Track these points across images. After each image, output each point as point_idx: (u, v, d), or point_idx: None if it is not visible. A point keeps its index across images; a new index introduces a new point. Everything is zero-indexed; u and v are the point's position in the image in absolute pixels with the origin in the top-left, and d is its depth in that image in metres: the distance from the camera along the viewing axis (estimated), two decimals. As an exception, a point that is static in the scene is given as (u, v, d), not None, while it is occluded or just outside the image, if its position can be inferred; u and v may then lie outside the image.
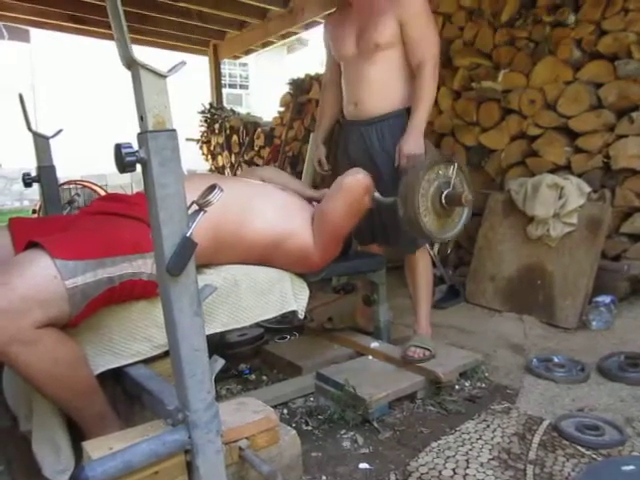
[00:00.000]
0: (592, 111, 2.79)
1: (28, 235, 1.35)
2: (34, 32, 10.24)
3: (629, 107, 2.69)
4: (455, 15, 3.44)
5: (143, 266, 1.39)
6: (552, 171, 2.90)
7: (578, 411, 1.76)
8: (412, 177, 1.75)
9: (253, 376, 2.20)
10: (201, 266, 1.66)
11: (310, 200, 2.01)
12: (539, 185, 2.71)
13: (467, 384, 2.01)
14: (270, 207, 1.77)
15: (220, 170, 6.51)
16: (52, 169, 2.21)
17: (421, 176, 1.74)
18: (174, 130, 0.99)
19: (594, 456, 1.50)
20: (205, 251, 1.51)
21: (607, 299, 2.52)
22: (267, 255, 1.77)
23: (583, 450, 1.53)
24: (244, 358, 2.34)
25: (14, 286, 1.18)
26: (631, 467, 1.37)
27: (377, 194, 1.89)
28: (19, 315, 1.16)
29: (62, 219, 1.75)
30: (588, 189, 2.68)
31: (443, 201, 1.79)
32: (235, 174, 5.86)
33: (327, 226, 1.79)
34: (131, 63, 0.95)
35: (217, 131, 6.47)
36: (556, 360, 2.10)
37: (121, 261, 1.35)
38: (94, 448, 1.12)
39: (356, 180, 1.79)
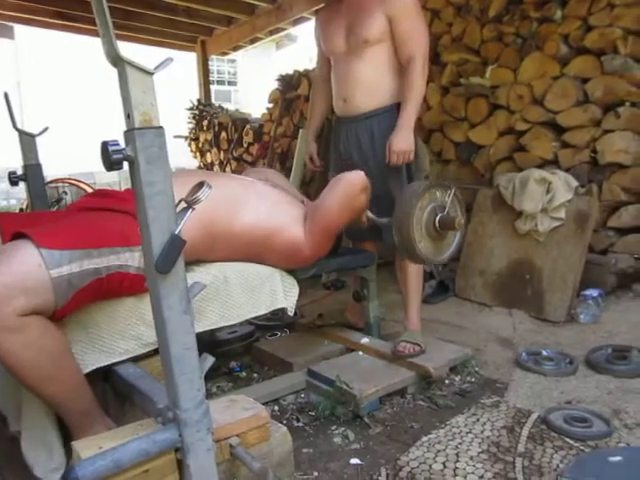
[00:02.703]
0: (579, 106, 2.81)
1: (15, 228, 1.34)
2: (18, 28, 10.12)
3: (615, 102, 2.71)
4: (443, 11, 3.45)
5: (130, 259, 1.38)
6: (540, 166, 2.92)
7: (566, 404, 1.78)
8: (407, 200, 1.76)
9: (244, 373, 2.20)
10: (190, 263, 1.65)
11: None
12: (527, 180, 2.72)
13: (457, 378, 2.03)
14: (260, 203, 1.76)
15: (209, 167, 6.49)
16: (38, 167, 2.19)
17: (415, 203, 1.74)
18: (161, 127, 0.98)
19: (582, 448, 1.52)
20: (195, 248, 1.50)
21: (595, 293, 2.54)
22: (257, 251, 1.77)
23: (571, 442, 1.55)
24: (235, 355, 2.34)
25: None
26: (618, 458, 1.39)
27: (371, 214, 1.93)
28: (2, 302, 1.15)
29: (51, 214, 1.74)
30: (575, 184, 2.70)
31: (437, 225, 1.79)
32: (224, 171, 5.84)
33: (321, 220, 1.79)
34: (117, 60, 0.94)
35: (206, 128, 6.44)
36: (545, 354, 2.12)
37: (108, 253, 1.34)
38: (84, 447, 1.12)
39: (355, 177, 1.80)
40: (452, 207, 1.83)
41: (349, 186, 1.80)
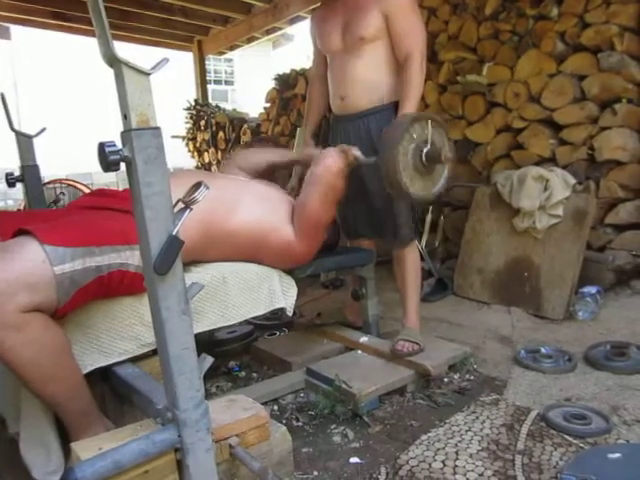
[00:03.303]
0: (576, 103, 2.81)
1: (15, 225, 1.33)
2: (15, 29, 10.09)
3: (612, 99, 2.72)
4: (440, 9, 3.45)
5: (131, 257, 1.38)
6: (537, 163, 2.92)
7: (565, 401, 1.78)
8: (392, 137, 1.71)
9: (243, 373, 2.20)
10: (188, 264, 1.65)
11: (292, 164, 2.13)
12: (525, 178, 2.73)
13: (456, 376, 2.03)
14: (255, 204, 1.77)
15: (207, 167, 6.48)
16: (36, 168, 2.19)
17: (401, 135, 1.69)
18: (158, 128, 0.98)
19: (581, 445, 1.52)
20: (192, 248, 1.50)
21: (593, 290, 2.54)
22: (254, 252, 1.77)
23: (570, 439, 1.55)
24: (234, 355, 2.34)
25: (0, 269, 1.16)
26: (617, 455, 1.40)
27: (357, 152, 1.86)
28: (4, 298, 1.14)
29: (50, 212, 1.74)
30: (573, 181, 2.70)
31: (423, 159, 1.74)
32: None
33: (307, 217, 1.80)
34: (113, 61, 0.94)
35: (203, 128, 6.43)
36: (543, 351, 2.13)
37: (109, 251, 1.34)
38: (83, 449, 1.12)
39: (327, 168, 1.79)
40: (438, 140, 1.78)
41: (327, 173, 1.79)
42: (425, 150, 1.74)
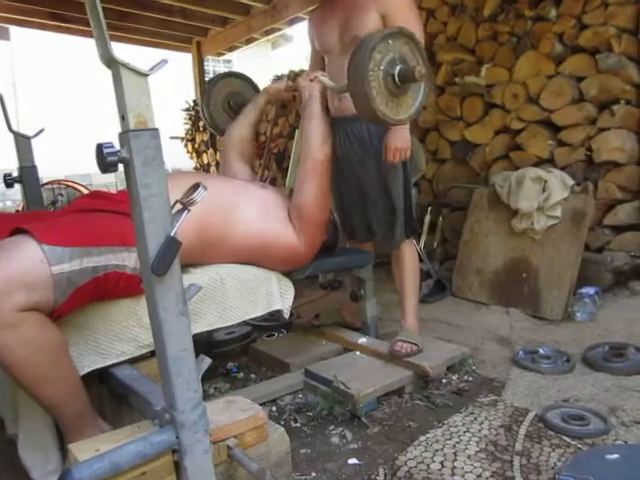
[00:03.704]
0: (574, 104, 2.82)
1: (11, 225, 1.33)
2: (14, 30, 10.09)
3: (610, 100, 2.72)
4: (438, 10, 3.45)
5: (127, 259, 1.38)
6: (536, 164, 2.93)
7: (563, 402, 1.78)
8: (360, 56, 1.56)
9: (241, 374, 2.20)
10: (187, 265, 1.65)
11: (266, 105, 2.26)
12: (523, 179, 2.73)
13: (454, 377, 2.03)
14: (253, 208, 1.78)
15: (205, 168, 6.48)
16: (34, 169, 2.19)
17: (368, 58, 1.55)
18: (156, 129, 0.98)
19: (579, 446, 1.52)
20: (190, 250, 1.50)
21: (591, 290, 2.55)
22: (253, 257, 1.78)
23: (569, 440, 1.55)
24: (232, 356, 2.34)
25: None
26: (615, 456, 1.40)
27: (326, 80, 1.90)
28: (1, 297, 1.14)
29: (46, 214, 1.74)
30: (571, 182, 2.70)
31: (396, 80, 1.59)
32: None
33: (307, 218, 1.81)
34: (111, 62, 0.94)
35: (202, 129, 6.43)
36: (542, 352, 2.13)
37: (106, 252, 1.34)
38: (81, 450, 1.11)
39: (314, 160, 1.87)
40: (410, 56, 1.63)
41: (314, 175, 1.86)
42: (397, 70, 1.59)
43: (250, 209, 1.76)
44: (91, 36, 0.95)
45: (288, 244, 1.79)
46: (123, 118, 0.96)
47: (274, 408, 1.89)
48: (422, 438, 1.63)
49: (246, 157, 2.17)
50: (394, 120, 1.66)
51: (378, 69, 1.58)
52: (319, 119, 1.93)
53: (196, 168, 6.70)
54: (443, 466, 1.47)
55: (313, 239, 1.85)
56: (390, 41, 1.60)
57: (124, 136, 0.97)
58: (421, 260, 2.95)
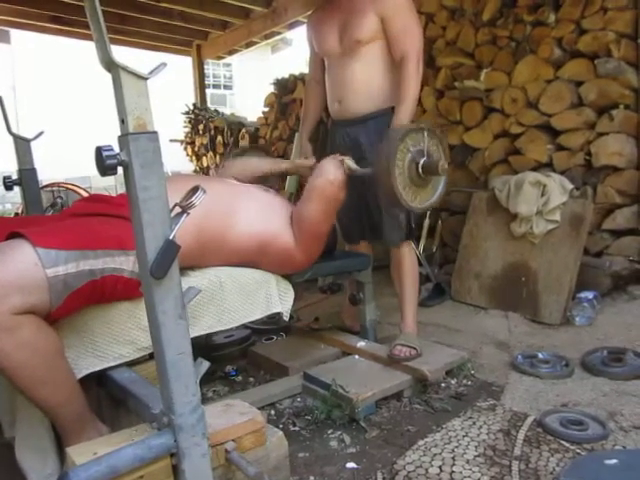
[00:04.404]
0: (573, 109, 2.82)
1: (7, 230, 1.33)
2: (14, 33, 10.11)
3: (609, 105, 2.73)
4: (437, 15, 3.46)
5: (125, 263, 1.38)
6: (535, 169, 2.93)
7: (562, 406, 1.78)
8: (388, 146, 1.68)
9: (240, 377, 2.20)
10: (186, 268, 1.65)
11: (286, 173, 2.17)
12: (522, 183, 2.73)
13: (453, 382, 2.03)
14: (253, 209, 1.77)
15: (205, 171, 6.48)
16: (33, 172, 2.19)
17: (397, 145, 1.67)
18: (155, 132, 0.98)
19: (578, 451, 1.52)
20: (189, 254, 1.50)
21: (590, 295, 2.54)
22: (252, 258, 1.77)
23: (567, 445, 1.55)
24: (231, 359, 2.34)
25: None
26: (614, 461, 1.39)
27: (352, 163, 1.83)
28: None
29: (44, 218, 1.74)
30: (570, 186, 2.71)
31: (420, 171, 1.71)
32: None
33: (307, 228, 1.79)
34: (111, 65, 0.94)
35: (201, 132, 6.43)
36: (541, 356, 2.13)
37: (103, 255, 1.34)
38: (78, 453, 1.11)
39: (327, 182, 1.77)
40: (435, 151, 1.75)
41: (328, 186, 1.77)
42: (422, 162, 1.71)
43: (250, 209, 1.75)
44: (91, 39, 0.96)
45: (284, 246, 1.77)
46: (122, 121, 0.96)
47: (273, 412, 1.88)
48: (421, 442, 1.62)
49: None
50: (413, 207, 1.77)
51: (404, 158, 1.69)
52: (333, 205, 1.82)
53: (195, 171, 6.70)
54: (441, 470, 1.47)
55: (310, 249, 1.83)
56: (418, 134, 1.73)
57: (123, 139, 0.97)
58: (420, 264, 2.95)
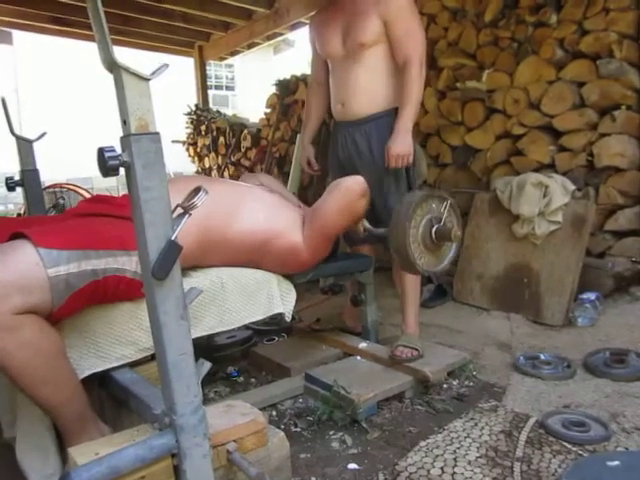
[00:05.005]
0: (575, 110, 2.82)
1: (10, 230, 1.33)
2: (17, 34, 10.13)
3: (611, 106, 2.72)
4: (439, 16, 3.46)
5: (127, 263, 1.38)
6: (537, 170, 2.93)
7: (564, 408, 1.78)
8: (404, 210, 1.75)
9: (241, 378, 2.20)
10: (188, 269, 1.65)
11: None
12: (524, 184, 2.73)
13: (455, 383, 2.02)
14: (256, 208, 1.77)
15: (207, 172, 6.49)
16: (36, 173, 2.19)
17: (411, 214, 1.74)
18: (157, 133, 0.98)
19: (580, 452, 1.52)
20: (192, 254, 1.50)
21: (592, 296, 2.54)
22: (255, 256, 1.77)
23: (569, 446, 1.55)
24: (232, 360, 2.34)
25: None
26: (616, 462, 1.39)
27: (368, 224, 1.92)
28: None
29: (47, 218, 1.74)
30: (572, 187, 2.70)
31: (433, 236, 1.79)
32: (222, 175, 5.84)
33: (319, 223, 1.79)
34: (113, 66, 0.94)
35: (203, 133, 6.44)
36: (543, 357, 2.12)
37: (106, 255, 1.34)
38: (80, 453, 1.11)
39: (355, 182, 1.81)
40: (448, 218, 1.82)
41: (348, 192, 1.80)
42: (436, 227, 1.78)
43: (254, 210, 1.75)
44: (92, 40, 0.96)
45: (290, 244, 1.77)
46: (124, 122, 0.96)
47: (274, 412, 1.88)
48: (422, 443, 1.62)
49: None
50: (424, 270, 1.83)
51: (419, 222, 1.76)
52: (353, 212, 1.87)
53: (198, 172, 6.71)
54: (443, 472, 1.47)
55: (317, 249, 1.83)
56: (435, 201, 1.81)
57: (125, 140, 0.97)
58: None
